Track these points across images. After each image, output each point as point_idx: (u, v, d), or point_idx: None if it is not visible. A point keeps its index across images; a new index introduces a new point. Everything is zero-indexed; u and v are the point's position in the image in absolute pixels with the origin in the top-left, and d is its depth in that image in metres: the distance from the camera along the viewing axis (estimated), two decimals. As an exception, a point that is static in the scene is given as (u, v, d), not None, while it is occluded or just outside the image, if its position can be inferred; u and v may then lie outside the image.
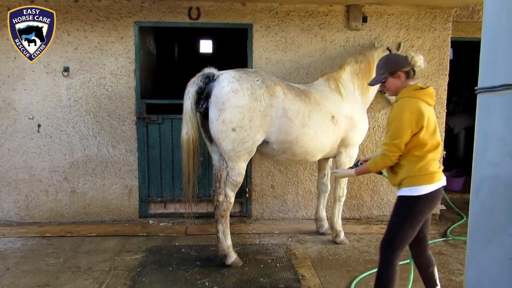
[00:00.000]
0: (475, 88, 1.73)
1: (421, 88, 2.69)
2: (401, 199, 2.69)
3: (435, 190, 2.63)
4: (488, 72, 1.69)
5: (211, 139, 3.78)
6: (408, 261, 3.14)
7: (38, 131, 4.87)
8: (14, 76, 4.79)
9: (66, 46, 4.81)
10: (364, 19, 4.92)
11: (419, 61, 2.72)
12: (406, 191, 2.65)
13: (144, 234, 4.61)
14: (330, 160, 4.50)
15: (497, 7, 1.66)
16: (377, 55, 4.44)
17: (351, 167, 3.09)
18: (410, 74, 2.73)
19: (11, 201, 4.94)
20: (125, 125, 4.95)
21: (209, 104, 3.60)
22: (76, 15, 4.78)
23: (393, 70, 2.73)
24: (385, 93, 4.69)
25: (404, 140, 2.59)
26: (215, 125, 3.57)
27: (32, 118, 4.85)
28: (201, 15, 4.88)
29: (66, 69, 4.81)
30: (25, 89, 4.81)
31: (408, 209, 2.65)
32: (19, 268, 3.74)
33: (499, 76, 1.60)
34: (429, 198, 2.62)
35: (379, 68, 2.84)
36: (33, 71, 4.80)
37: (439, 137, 2.69)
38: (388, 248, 2.68)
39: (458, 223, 5.14)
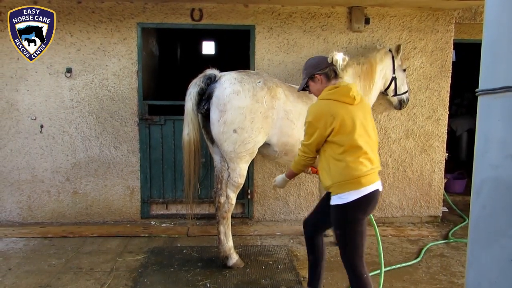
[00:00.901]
0: (476, 90, 1.73)
1: (336, 88, 2.63)
2: (333, 209, 2.61)
3: (365, 195, 2.52)
4: (488, 74, 1.68)
5: (212, 140, 3.78)
6: (378, 271, 3.06)
7: (41, 132, 4.89)
8: (17, 77, 4.82)
9: (69, 47, 4.83)
10: (367, 21, 4.91)
11: (339, 59, 2.63)
12: (335, 200, 2.58)
13: (146, 235, 4.62)
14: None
15: (498, 9, 1.66)
16: (379, 57, 4.46)
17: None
18: (329, 75, 2.68)
19: (14, 202, 4.96)
20: (127, 126, 4.96)
21: (210, 105, 3.60)
22: (79, 16, 4.80)
23: (311, 74, 2.73)
24: (386, 94, 4.72)
25: (315, 143, 2.59)
26: (216, 126, 3.57)
27: (35, 119, 4.87)
28: (203, 17, 4.89)
29: (69, 70, 4.82)
30: (28, 90, 4.83)
31: (342, 218, 2.58)
32: (21, 269, 3.75)
33: (500, 78, 1.59)
34: (360, 202, 2.52)
35: (302, 73, 2.84)
36: (36, 72, 4.82)
37: (363, 137, 2.54)
38: (346, 260, 2.63)
39: (460, 225, 5.12)
